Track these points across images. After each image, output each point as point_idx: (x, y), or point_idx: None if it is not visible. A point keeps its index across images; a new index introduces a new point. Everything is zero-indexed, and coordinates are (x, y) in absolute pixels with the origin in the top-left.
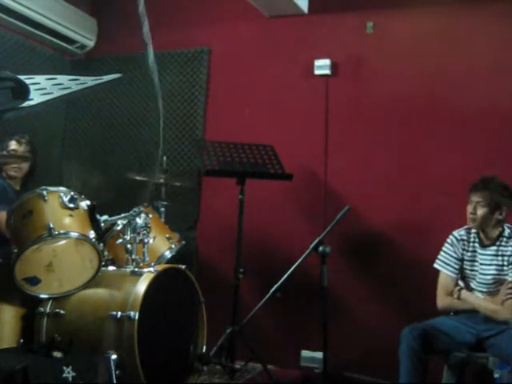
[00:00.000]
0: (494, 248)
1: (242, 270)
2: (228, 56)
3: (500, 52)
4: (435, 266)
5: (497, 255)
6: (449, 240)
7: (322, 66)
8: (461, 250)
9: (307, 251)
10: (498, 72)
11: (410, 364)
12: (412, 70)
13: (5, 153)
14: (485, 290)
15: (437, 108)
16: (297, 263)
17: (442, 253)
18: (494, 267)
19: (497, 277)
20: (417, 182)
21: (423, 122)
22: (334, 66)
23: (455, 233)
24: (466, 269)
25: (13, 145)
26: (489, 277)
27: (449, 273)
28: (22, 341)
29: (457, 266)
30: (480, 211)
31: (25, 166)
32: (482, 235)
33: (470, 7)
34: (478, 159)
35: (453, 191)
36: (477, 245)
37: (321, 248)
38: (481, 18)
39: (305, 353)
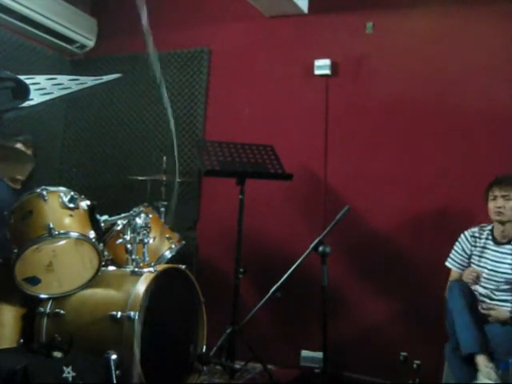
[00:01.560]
0: (509, 247)
1: (242, 269)
2: (228, 56)
3: (500, 52)
4: (446, 263)
5: (511, 254)
6: (459, 239)
7: (322, 66)
8: (470, 247)
9: (307, 251)
10: (499, 72)
11: (467, 309)
12: (412, 69)
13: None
14: (492, 286)
15: (437, 108)
16: (297, 263)
17: (452, 251)
18: (507, 266)
19: (508, 276)
20: (416, 181)
21: (423, 121)
22: (334, 66)
23: (466, 232)
24: (473, 263)
25: (19, 147)
26: (499, 274)
27: (458, 270)
28: (22, 341)
29: (463, 263)
30: (508, 204)
31: (30, 167)
32: (497, 233)
33: (470, 7)
34: (478, 159)
35: (452, 191)
36: (489, 241)
37: (321, 248)
38: (480, 18)
39: (305, 353)
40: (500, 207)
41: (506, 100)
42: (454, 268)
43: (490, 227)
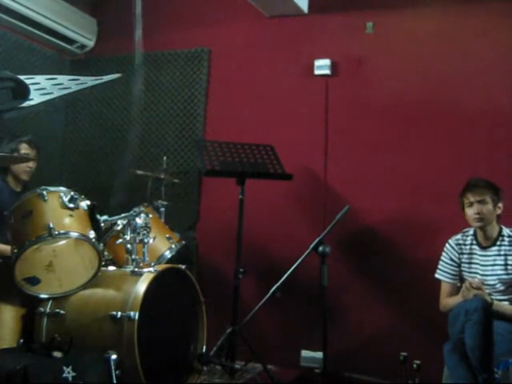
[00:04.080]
0: (495, 248)
1: (242, 269)
2: (228, 56)
3: (499, 52)
4: (436, 276)
5: (499, 255)
6: (445, 248)
7: (322, 66)
8: (457, 255)
9: (307, 251)
10: (498, 72)
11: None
12: (411, 69)
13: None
14: (488, 290)
15: (436, 108)
16: (297, 263)
17: (440, 262)
18: (498, 267)
19: (502, 276)
20: (416, 181)
21: (423, 122)
22: (333, 66)
23: (450, 240)
24: (463, 271)
25: (24, 148)
26: (494, 277)
27: (447, 280)
28: (21, 341)
29: (454, 272)
30: (485, 208)
31: (33, 168)
32: (480, 237)
33: (470, 7)
34: (478, 159)
35: (452, 191)
36: (475, 247)
37: (321, 248)
38: (480, 18)
39: (305, 353)
40: (478, 213)
41: (506, 100)
42: (445, 279)
43: (471, 231)
